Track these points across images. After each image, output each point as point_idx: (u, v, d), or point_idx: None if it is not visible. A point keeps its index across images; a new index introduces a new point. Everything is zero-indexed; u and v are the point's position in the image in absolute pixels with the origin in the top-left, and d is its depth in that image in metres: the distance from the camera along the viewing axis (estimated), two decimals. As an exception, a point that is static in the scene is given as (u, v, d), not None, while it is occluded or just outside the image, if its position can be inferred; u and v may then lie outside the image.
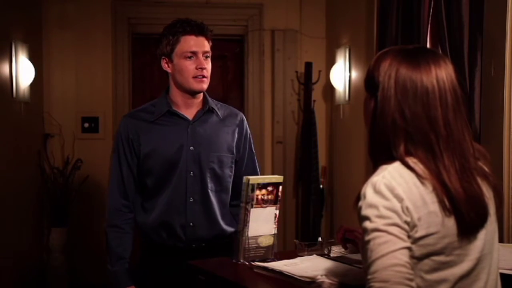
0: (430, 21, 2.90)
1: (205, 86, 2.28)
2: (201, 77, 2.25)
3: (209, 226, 2.31)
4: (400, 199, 1.29)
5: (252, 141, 2.47)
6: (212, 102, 2.37)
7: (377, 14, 3.58)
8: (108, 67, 4.62)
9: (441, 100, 1.36)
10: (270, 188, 1.95)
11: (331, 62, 4.52)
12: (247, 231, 1.92)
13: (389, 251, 1.26)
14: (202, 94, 2.34)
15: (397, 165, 1.34)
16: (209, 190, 2.30)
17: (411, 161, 1.34)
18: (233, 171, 2.38)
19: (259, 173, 2.47)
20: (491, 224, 1.41)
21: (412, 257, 1.29)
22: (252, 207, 1.92)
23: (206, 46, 2.27)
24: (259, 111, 4.76)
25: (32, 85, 4.16)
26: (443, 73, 1.38)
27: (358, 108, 4.09)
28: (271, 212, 1.97)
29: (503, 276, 1.50)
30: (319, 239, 2.04)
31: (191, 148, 2.28)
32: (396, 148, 1.35)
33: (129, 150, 2.30)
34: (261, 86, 4.77)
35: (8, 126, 3.86)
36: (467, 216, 1.32)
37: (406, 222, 1.29)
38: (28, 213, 4.23)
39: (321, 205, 4.59)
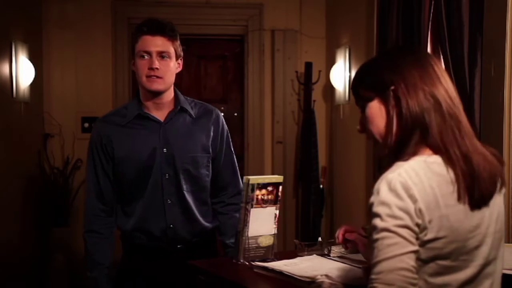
0: (430, 21, 2.90)
1: (159, 86, 2.21)
2: (154, 77, 2.20)
3: (189, 226, 2.31)
4: (414, 200, 1.27)
5: (229, 138, 2.42)
6: (185, 101, 2.32)
7: (377, 14, 3.58)
8: (108, 67, 4.62)
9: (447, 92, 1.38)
10: (270, 188, 1.94)
11: (331, 62, 4.52)
12: (247, 231, 1.92)
13: (397, 254, 1.24)
14: (172, 93, 2.30)
15: (413, 163, 1.32)
16: (184, 192, 2.28)
17: (430, 156, 1.33)
18: (210, 170, 2.35)
19: (237, 169, 2.43)
20: (499, 231, 1.39)
21: (418, 259, 1.27)
22: (252, 207, 1.91)
23: (162, 46, 2.20)
24: (259, 111, 4.76)
25: (32, 85, 4.16)
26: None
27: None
28: (271, 212, 1.97)
29: (504, 276, 1.50)
30: (319, 239, 2.03)
31: (164, 150, 2.25)
32: (417, 143, 1.35)
33: (103, 155, 2.28)
34: (261, 86, 4.77)
35: (8, 126, 3.86)
36: (478, 192, 1.33)
37: (417, 225, 1.27)
38: (28, 213, 4.23)
39: (321, 205, 4.59)
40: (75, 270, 4.49)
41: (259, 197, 1.92)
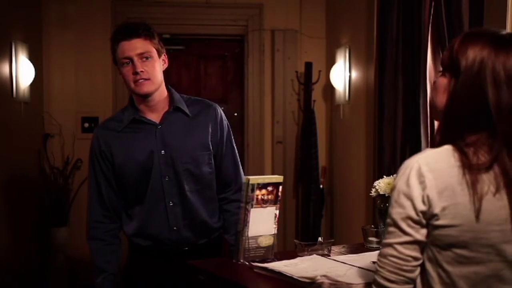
0: (430, 21, 2.90)
1: (149, 88, 2.20)
2: (141, 80, 2.18)
3: (194, 227, 2.29)
4: (423, 187, 1.32)
5: (230, 132, 2.39)
6: (180, 100, 2.30)
7: (377, 14, 3.58)
8: (108, 67, 4.61)
9: None
10: (270, 188, 1.94)
11: (331, 62, 4.52)
12: (247, 231, 1.92)
13: (392, 242, 1.36)
14: (165, 93, 2.29)
15: (440, 150, 1.35)
16: (187, 192, 2.27)
17: (470, 148, 1.33)
18: (213, 166, 2.33)
19: (239, 165, 2.42)
20: None
21: (433, 245, 1.34)
22: (252, 207, 1.91)
23: (141, 47, 2.17)
24: (259, 111, 4.76)
25: (32, 85, 4.16)
26: None
27: (358, 108, 4.09)
28: (271, 212, 1.97)
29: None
30: (319, 239, 2.03)
31: (162, 152, 2.24)
32: (461, 131, 1.35)
33: (103, 162, 2.28)
34: (261, 86, 4.77)
35: (8, 126, 3.85)
36: None
37: (422, 212, 1.33)
38: (28, 213, 4.23)
39: (321, 205, 4.59)
40: (75, 270, 4.50)
41: (259, 197, 1.92)
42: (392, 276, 1.36)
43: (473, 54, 1.36)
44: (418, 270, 1.37)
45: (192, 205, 2.28)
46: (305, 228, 4.56)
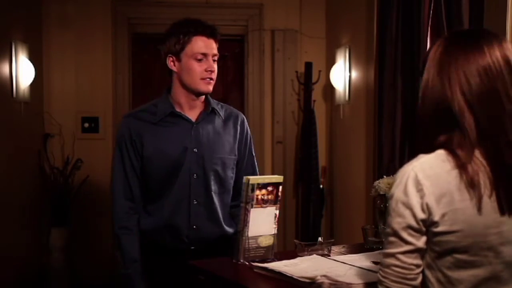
0: (430, 21, 2.90)
1: (211, 88, 2.29)
2: (209, 79, 2.25)
3: (212, 228, 2.30)
4: (422, 195, 1.31)
5: (252, 143, 2.45)
6: (214, 103, 2.36)
7: (377, 14, 3.58)
8: (108, 67, 4.62)
9: (499, 77, 1.34)
10: (270, 188, 1.94)
11: (331, 62, 4.51)
12: (247, 231, 1.92)
13: (393, 252, 1.35)
14: (204, 95, 2.33)
15: (434, 155, 1.34)
16: (212, 193, 2.29)
17: (458, 149, 1.33)
18: (234, 172, 2.37)
19: (258, 174, 2.45)
20: None
21: (433, 251, 1.34)
22: (252, 207, 1.91)
23: (215, 49, 2.27)
24: (259, 111, 4.76)
25: (32, 85, 4.16)
26: (497, 53, 1.35)
27: (358, 108, 4.09)
28: (271, 212, 1.97)
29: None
30: (319, 239, 2.03)
31: (194, 150, 2.26)
32: (440, 135, 1.35)
33: (133, 151, 2.27)
34: (261, 86, 4.77)
35: (8, 126, 3.86)
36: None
37: (422, 220, 1.32)
38: (28, 213, 4.23)
39: (321, 205, 4.59)
40: (75, 270, 4.50)
41: (259, 197, 1.93)
42: (397, 286, 1.35)
43: (431, 53, 1.40)
44: (420, 277, 1.36)
45: (215, 206, 2.29)
46: (305, 228, 4.56)
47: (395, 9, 3.28)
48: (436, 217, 1.31)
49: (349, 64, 4.23)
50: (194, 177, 2.26)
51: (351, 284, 1.60)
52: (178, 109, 2.29)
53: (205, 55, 2.24)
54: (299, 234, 4.62)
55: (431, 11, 2.89)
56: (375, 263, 1.83)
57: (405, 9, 3.19)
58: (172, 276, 2.27)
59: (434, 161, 1.33)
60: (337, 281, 1.61)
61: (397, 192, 1.34)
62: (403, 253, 1.33)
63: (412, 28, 3.09)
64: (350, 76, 4.23)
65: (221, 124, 2.34)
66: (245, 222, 1.92)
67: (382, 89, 3.42)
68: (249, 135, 2.42)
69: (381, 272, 1.38)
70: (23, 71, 4.01)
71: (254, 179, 1.92)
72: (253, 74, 4.77)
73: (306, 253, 1.96)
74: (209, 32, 2.24)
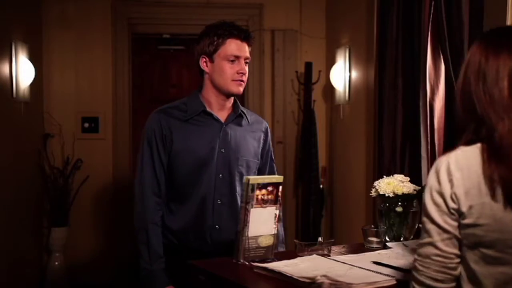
0: (430, 21, 2.90)
1: (242, 90, 2.33)
2: (240, 81, 2.28)
3: (232, 229, 2.25)
4: (452, 185, 1.33)
5: (273, 151, 2.51)
6: (241, 107, 2.41)
7: (377, 14, 3.58)
8: (108, 67, 4.62)
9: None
10: (270, 188, 1.94)
11: (331, 62, 4.52)
12: (247, 231, 1.92)
13: (432, 241, 1.35)
14: (233, 97, 2.37)
15: (470, 148, 1.36)
16: (236, 194, 2.31)
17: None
18: None
19: None
20: None
21: (464, 244, 1.35)
22: (252, 207, 1.91)
23: (248, 52, 2.32)
24: (259, 111, 4.75)
25: (32, 85, 4.16)
26: None
27: (358, 108, 4.09)
28: (271, 212, 1.97)
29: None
30: (319, 239, 2.03)
31: (222, 150, 2.29)
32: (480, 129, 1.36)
33: (162, 147, 2.27)
34: (261, 86, 4.77)
35: (8, 126, 3.86)
36: None
37: (454, 209, 1.34)
38: (28, 213, 4.23)
39: (321, 205, 4.59)
40: (75, 270, 4.50)
41: (259, 197, 1.93)
42: (440, 275, 1.35)
43: (469, 53, 1.43)
44: (460, 268, 1.37)
45: (237, 207, 2.27)
46: (305, 228, 4.56)
47: (395, 9, 3.28)
48: (463, 208, 1.32)
49: (349, 64, 4.23)
50: (220, 177, 2.28)
51: (351, 284, 1.60)
52: (209, 109, 2.32)
53: (237, 57, 2.28)
54: (299, 234, 4.62)
55: (431, 11, 2.88)
56: (375, 263, 1.83)
57: (405, 9, 3.19)
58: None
59: (469, 153, 1.35)
60: (337, 281, 1.61)
61: (431, 181, 1.37)
62: (442, 240, 1.34)
63: (412, 28, 3.09)
64: (350, 76, 4.23)
65: (247, 128, 2.38)
66: (245, 222, 1.92)
67: (382, 89, 3.42)
68: (270, 143, 2.48)
69: (420, 262, 1.37)
70: (23, 71, 4.01)
71: (254, 179, 1.92)
72: (253, 74, 4.76)
73: (306, 253, 1.96)
74: (243, 35, 2.29)
